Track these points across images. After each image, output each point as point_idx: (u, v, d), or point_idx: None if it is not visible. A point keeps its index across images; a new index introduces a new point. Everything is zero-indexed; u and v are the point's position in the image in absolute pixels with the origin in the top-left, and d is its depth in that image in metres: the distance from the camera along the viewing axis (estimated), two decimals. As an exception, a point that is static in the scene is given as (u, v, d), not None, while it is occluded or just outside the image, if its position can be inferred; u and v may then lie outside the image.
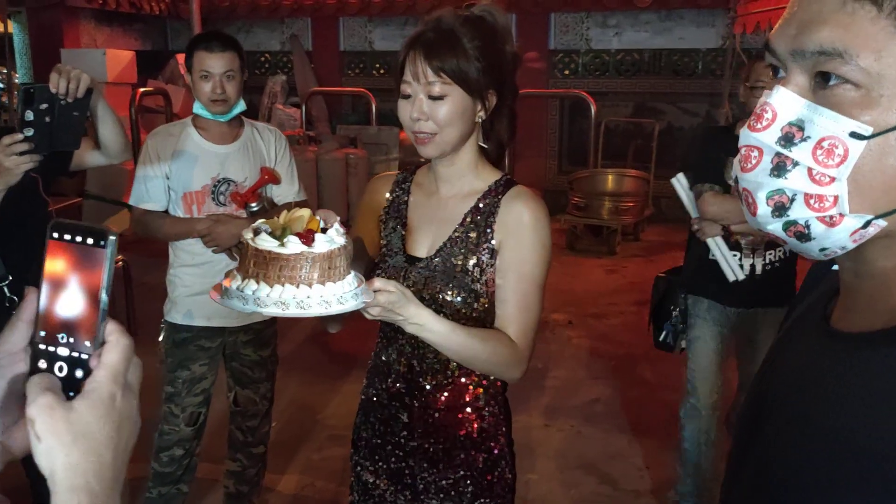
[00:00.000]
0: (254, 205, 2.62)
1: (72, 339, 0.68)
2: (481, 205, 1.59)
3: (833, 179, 0.65)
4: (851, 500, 0.64)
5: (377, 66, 10.05)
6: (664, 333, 3.04)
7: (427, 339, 1.44)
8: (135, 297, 5.07)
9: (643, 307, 5.92)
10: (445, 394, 1.61)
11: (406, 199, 1.67)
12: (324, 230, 1.28)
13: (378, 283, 1.33)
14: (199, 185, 2.62)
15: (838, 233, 0.67)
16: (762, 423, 0.78)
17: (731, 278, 2.78)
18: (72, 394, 0.68)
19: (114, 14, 9.15)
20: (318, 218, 1.31)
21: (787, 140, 0.67)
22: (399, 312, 1.35)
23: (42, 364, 0.69)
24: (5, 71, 7.52)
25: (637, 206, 7.99)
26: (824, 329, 0.74)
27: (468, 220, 1.58)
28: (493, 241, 1.56)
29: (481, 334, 1.49)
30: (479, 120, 1.56)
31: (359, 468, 1.74)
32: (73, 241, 0.68)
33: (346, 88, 9.66)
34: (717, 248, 2.80)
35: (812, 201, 0.66)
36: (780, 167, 0.68)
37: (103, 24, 9.25)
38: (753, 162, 0.69)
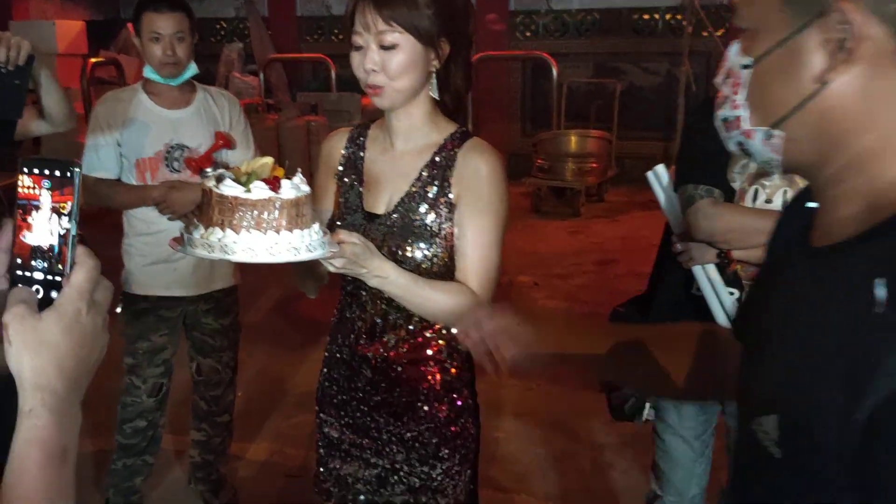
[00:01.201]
0: (209, 170, 2.56)
1: (46, 264, 0.76)
2: (438, 158, 1.57)
3: (739, 104, 0.84)
4: (823, 398, 0.72)
5: (336, 31, 9.90)
6: (628, 401, 2.20)
7: (390, 293, 1.46)
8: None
9: (607, 267, 5.99)
10: (408, 348, 1.62)
11: (362, 154, 1.65)
12: (287, 178, 1.26)
13: (342, 234, 1.33)
14: (152, 152, 2.55)
15: (756, 145, 0.83)
16: (762, 346, 0.87)
17: (724, 324, 1.91)
18: None
19: (62, -17, 8.90)
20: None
21: (725, 79, 0.86)
22: (363, 265, 1.36)
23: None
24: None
25: (600, 167, 8.02)
26: (805, 249, 0.85)
27: (425, 174, 1.57)
28: (451, 195, 1.55)
29: (443, 286, 1.50)
30: (433, 69, 1.54)
31: (324, 426, 1.74)
32: (41, 173, 0.75)
33: (304, 55, 9.52)
34: (708, 280, 1.98)
35: (732, 122, 0.85)
36: (724, 99, 0.86)
37: (52, -7, 9.01)
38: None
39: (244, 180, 1.21)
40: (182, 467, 3.12)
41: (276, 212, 1.18)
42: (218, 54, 9.53)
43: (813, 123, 0.77)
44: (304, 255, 1.21)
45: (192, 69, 2.58)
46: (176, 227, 2.54)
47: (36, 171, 0.75)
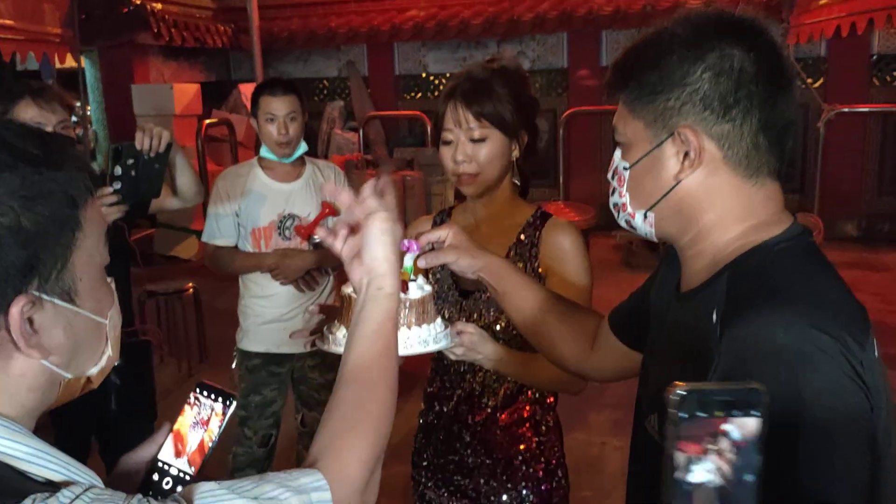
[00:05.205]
0: (316, 237, 2.79)
1: (181, 464, 0.99)
2: (523, 237, 1.74)
3: (623, 193, 1.13)
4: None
5: (431, 88, 10.25)
6: None
7: (502, 372, 1.60)
8: (205, 321, 5.31)
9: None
10: (506, 412, 1.75)
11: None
12: (412, 280, 1.41)
13: (460, 325, 1.48)
14: (267, 221, 2.80)
15: (638, 222, 1.13)
16: (649, 365, 1.22)
17: None
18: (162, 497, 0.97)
19: (179, 49, 9.53)
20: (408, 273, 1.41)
21: (613, 175, 1.15)
22: (479, 351, 1.50)
23: (155, 476, 1.00)
24: (78, 104, 7.92)
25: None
26: (676, 294, 1.15)
27: (512, 252, 1.73)
28: (540, 269, 1.70)
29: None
30: (514, 158, 1.72)
31: (421, 487, 1.87)
32: (207, 396, 1.00)
33: (401, 112, 9.88)
34: None
35: (620, 207, 1.14)
36: (613, 190, 1.16)
37: (170, 59, 9.64)
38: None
39: None
40: (286, 513, 3.29)
41: (406, 310, 1.33)
42: (321, 112, 9.99)
43: (673, 207, 1.08)
44: (431, 347, 1.35)
45: (303, 147, 2.82)
46: (286, 290, 2.77)
47: (204, 392, 0.99)
